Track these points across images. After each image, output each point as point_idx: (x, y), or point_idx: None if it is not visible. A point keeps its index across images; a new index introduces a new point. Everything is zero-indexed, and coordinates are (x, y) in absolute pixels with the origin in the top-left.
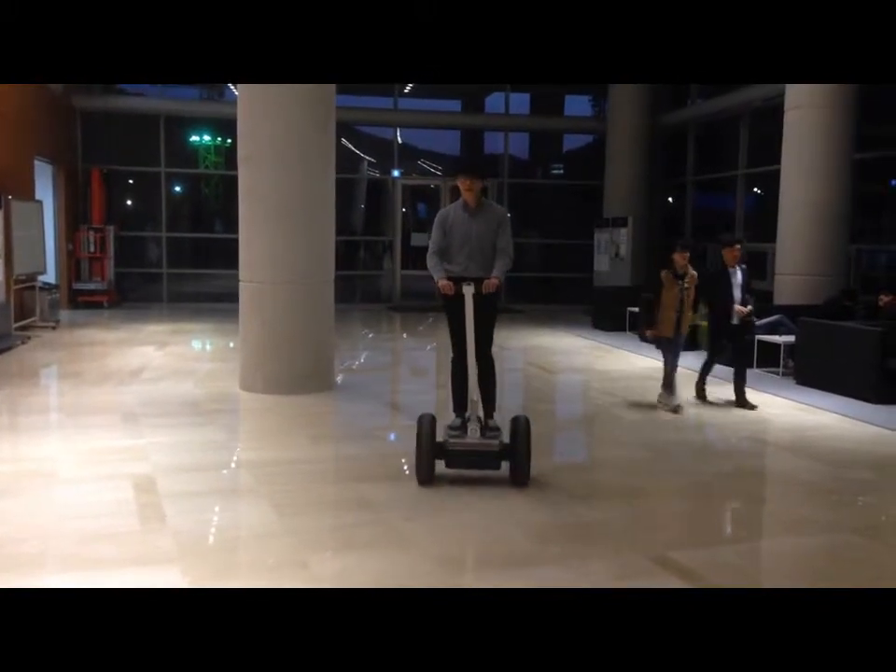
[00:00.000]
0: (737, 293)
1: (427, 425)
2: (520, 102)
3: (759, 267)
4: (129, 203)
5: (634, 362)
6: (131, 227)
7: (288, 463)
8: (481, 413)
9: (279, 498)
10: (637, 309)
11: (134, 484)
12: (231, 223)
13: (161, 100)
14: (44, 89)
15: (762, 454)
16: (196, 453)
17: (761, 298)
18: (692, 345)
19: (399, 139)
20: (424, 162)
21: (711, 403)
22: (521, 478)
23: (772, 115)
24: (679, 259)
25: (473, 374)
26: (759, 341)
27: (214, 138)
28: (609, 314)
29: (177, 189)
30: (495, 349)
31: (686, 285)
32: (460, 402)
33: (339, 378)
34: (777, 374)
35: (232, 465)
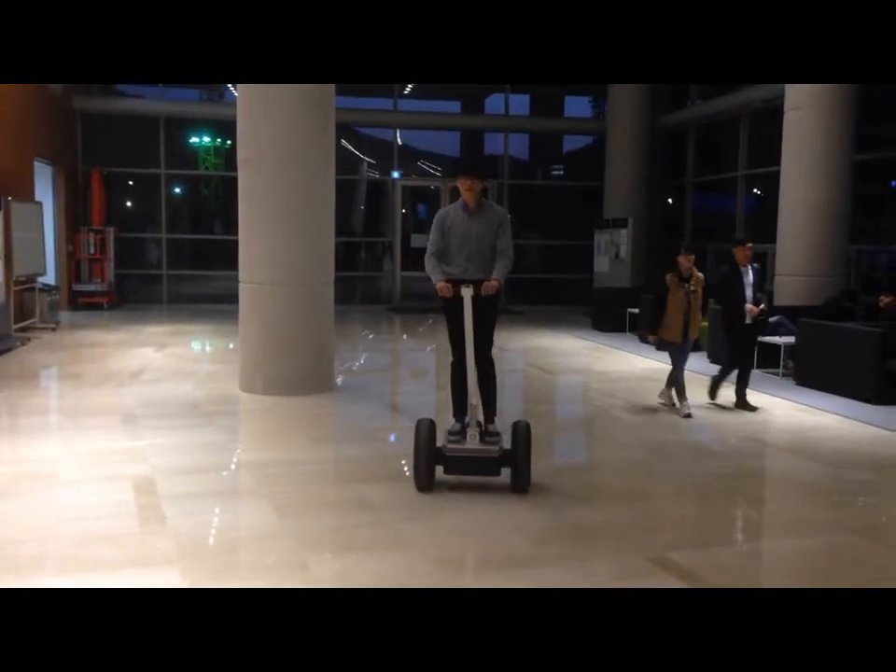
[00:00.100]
0: (749, 292)
1: (424, 430)
2: (520, 103)
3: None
4: (129, 204)
5: (633, 363)
6: (131, 228)
7: (288, 464)
8: (481, 418)
9: (279, 500)
10: (637, 310)
11: (134, 486)
12: (231, 224)
13: (160, 101)
14: (44, 90)
15: (761, 454)
16: (196, 454)
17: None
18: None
19: (398, 140)
20: (423, 163)
21: (723, 407)
22: (521, 485)
23: (771, 116)
24: (684, 261)
25: (473, 378)
26: (759, 342)
27: (213, 139)
28: (609, 315)
29: (177, 190)
30: (494, 350)
31: (692, 287)
32: (460, 407)
33: (339, 379)
34: (777, 375)
35: (232, 466)
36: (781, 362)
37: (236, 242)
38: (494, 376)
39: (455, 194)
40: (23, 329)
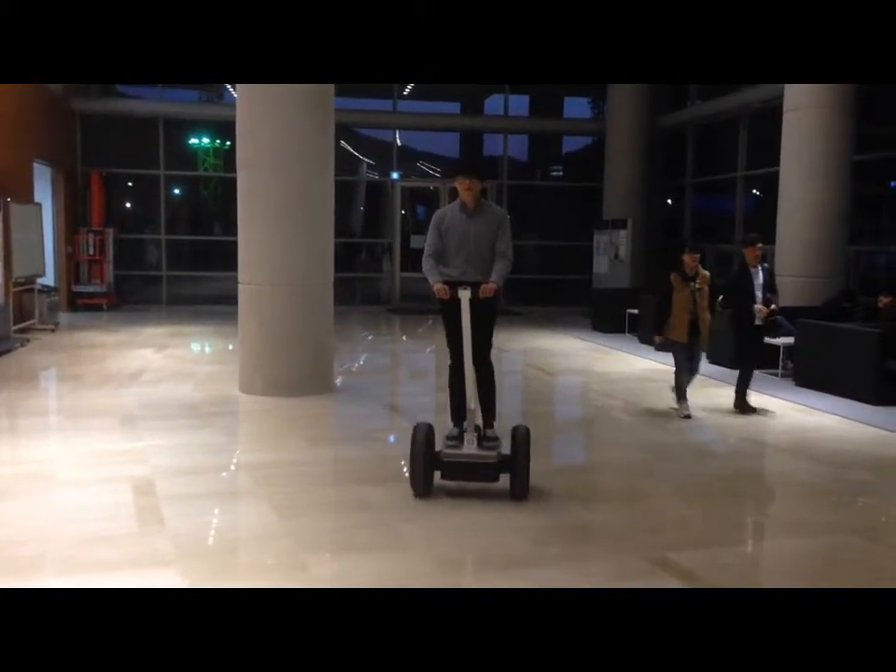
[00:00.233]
0: (759, 293)
1: (422, 434)
2: (519, 104)
3: None
4: (128, 205)
5: (633, 364)
6: (130, 229)
7: (288, 465)
8: (479, 422)
9: (278, 500)
10: (636, 311)
11: (133, 487)
12: (231, 225)
13: (159, 102)
14: (43, 91)
15: (761, 455)
16: (195, 455)
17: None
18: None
19: (398, 141)
20: (423, 164)
21: (757, 411)
22: (520, 491)
23: (771, 116)
24: (689, 260)
25: (471, 382)
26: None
27: (213, 140)
28: (609, 315)
29: (176, 191)
30: (494, 351)
31: (698, 286)
32: (458, 411)
33: (338, 380)
34: (777, 376)
35: (232, 467)
36: (780, 363)
37: (235, 243)
38: (493, 380)
39: (454, 195)
40: (23, 331)
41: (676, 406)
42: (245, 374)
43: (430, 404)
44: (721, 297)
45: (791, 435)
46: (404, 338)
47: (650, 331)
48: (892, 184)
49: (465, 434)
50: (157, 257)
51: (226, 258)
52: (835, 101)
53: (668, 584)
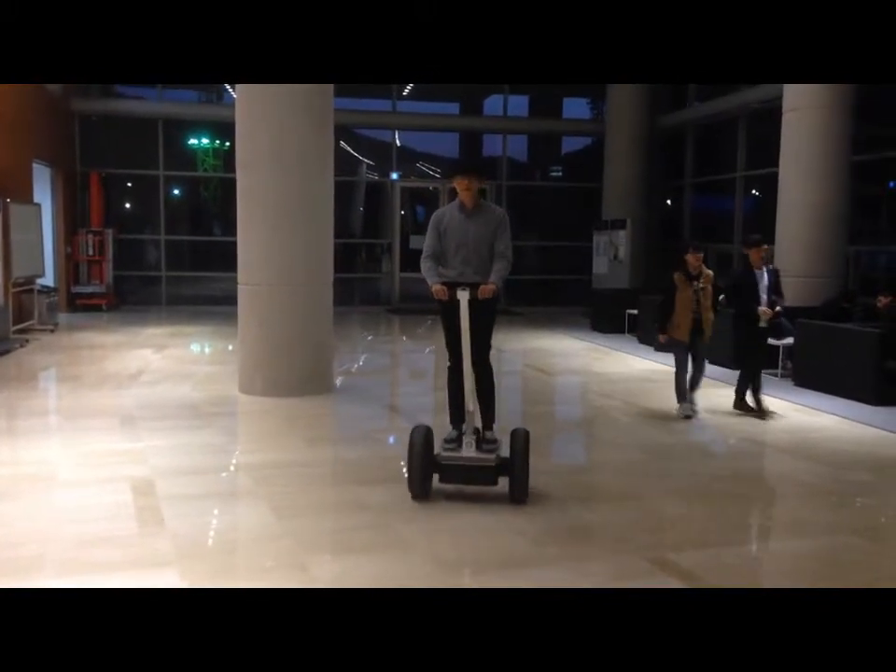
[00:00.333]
0: (764, 295)
1: (419, 437)
2: (518, 104)
3: None
4: (127, 206)
5: (632, 364)
6: (129, 230)
7: (287, 466)
8: (479, 425)
9: (278, 501)
10: (636, 311)
11: (133, 487)
12: (230, 226)
13: (159, 103)
14: (42, 92)
15: (760, 455)
16: (194, 456)
17: None
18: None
19: (397, 142)
20: (422, 165)
21: (775, 413)
22: (519, 495)
23: (770, 117)
24: (693, 259)
25: (469, 384)
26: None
27: (212, 141)
28: (608, 316)
29: (176, 192)
30: (493, 352)
31: (702, 285)
32: (457, 413)
33: (338, 381)
34: (776, 376)
35: (231, 468)
36: (780, 363)
37: (235, 243)
38: (492, 382)
39: (454, 195)
40: (22, 331)
41: (686, 411)
42: (245, 375)
43: (430, 404)
44: (721, 296)
45: (790, 435)
46: (404, 338)
47: (654, 331)
48: (891, 184)
49: (463, 437)
50: (156, 257)
51: (225, 258)
52: (834, 101)
53: (668, 585)
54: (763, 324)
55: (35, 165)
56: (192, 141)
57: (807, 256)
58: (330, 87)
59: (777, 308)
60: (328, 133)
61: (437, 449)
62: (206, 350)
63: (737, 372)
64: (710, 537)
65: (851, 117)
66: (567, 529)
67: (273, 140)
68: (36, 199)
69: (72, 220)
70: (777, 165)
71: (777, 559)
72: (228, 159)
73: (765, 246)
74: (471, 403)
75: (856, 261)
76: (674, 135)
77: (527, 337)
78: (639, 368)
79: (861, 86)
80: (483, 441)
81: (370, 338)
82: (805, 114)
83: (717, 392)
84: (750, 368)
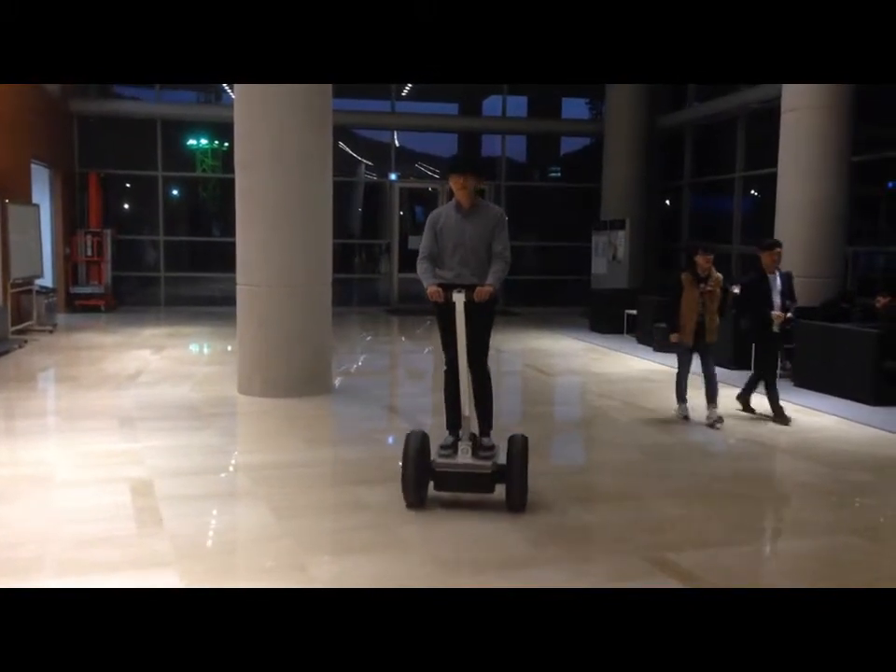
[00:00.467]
0: (778, 299)
1: (415, 442)
2: (517, 105)
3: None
4: (126, 206)
5: (631, 365)
6: (128, 230)
7: (286, 466)
8: (475, 430)
9: (277, 502)
10: (635, 312)
11: (131, 488)
12: (229, 226)
13: (157, 103)
14: (41, 92)
15: (760, 455)
16: (193, 456)
17: None
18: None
19: (396, 142)
20: (421, 165)
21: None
22: (516, 503)
23: (769, 117)
24: (703, 261)
25: (466, 388)
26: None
27: (211, 142)
28: (607, 316)
29: (175, 192)
30: (492, 352)
31: (709, 287)
32: (453, 419)
33: (337, 381)
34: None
35: (230, 468)
36: (779, 363)
37: (234, 244)
38: (489, 386)
39: (452, 195)
40: (21, 332)
41: (707, 412)
42: (244, 375)
43: (429, 405)
44: (734, 310)
45: (789, 436)
46: (403, 339)
47: (664, 331)
48: (890, 185)
49: (459, 443)
50: (155, 258)
51: (224, 259)
52: (833, 102)
53: (668, 585)
54: (775, 329)
55: (33, 166)
56: (191, 141)
57: (806, 256)
58: (329, 87)
59: (789, 314)
60: (327, 134)
61: (433, 455)
62: (205, 351)
63: (737, 373)
64: (710, 537)
65: (850, 117)
66: (567, 530)
67: (272, 140)
68: (35, 199)
69: (70, 221)
70: (775, 166)
71: (776, 559)
72: (226, 159)
73: (779, 249)
74: (468, 408)
75: (854, 262)
76: (673, 136)
77: (526, 337)
78: (638, 368)
79: (860, 86)
80: (479, 448)
81: (368, 338)
82: (804, 114)
83: (730, 394)
84: (762, 372)
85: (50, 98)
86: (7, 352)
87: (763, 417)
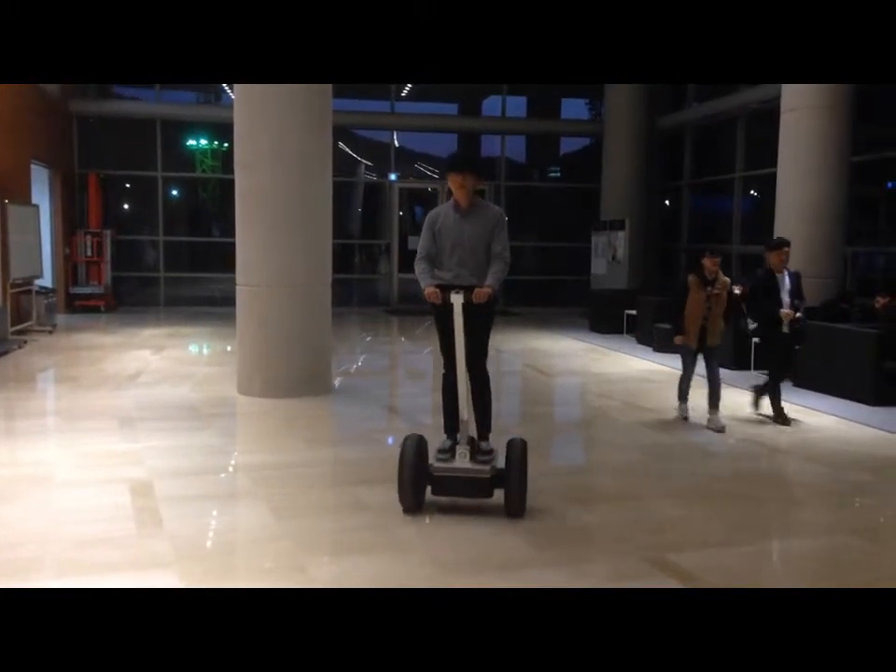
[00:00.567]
0: (786, 299)
1: (412, 446)
2: (517, 105)
3: (756, 270)
4: (126, 206)
5: (631, 365)
6: (128, 231)
7: (286, 467)
8: (474, 434)
9: (276, 502)
10: (634, 312)
11: (131, 489)
12: (229, 227)
13: (157, 104)
14: (40, 93)
15: (760, 456)
16: (193, 457)
17: None
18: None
19: (395, 143)
20: (421, 166)
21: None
22: (515, 509)
23: (768, 117)
24: (710, 264)
25: (464, 391)
26: (754, 343)
27: (211, 142)
28: (607, 316)
29: (174, 192)
30: (492, 352)
31: (716, 291)
32: (451, 422)
33: (336, 381)
34: None
35: (230, 469)
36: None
37: (233, 244)
38: (488, 389)
39: (451, 195)
40: (20, 332)
41: (708, 415)
42: (244, 376)
43: (429, 405)
44: (746, 320)
45: (789, 436)
46: (402, 339)
47: (668, 332)
48: (890, 185)
49: (457, 447)
50: (155, 258)
51: (224, 259)
52: (833, 102)
53: (668, 585)
54: (785, 329)
55: (33, 166)
56: (191, 142)
57: (805, 256)
58: (329, 87)
59: (798, 314)
60: (326, 134)
61: (430, 459)
62: (205, 351)
63: (737, 374)
64: (710, 537)
65: (850, 117)
66: (567, 530)
67: (272, 140)
68: (35, 200)
69: (70, 221)
70: (775, 166)
71: (776, 559)
72: (226, 160)
73: (787, 249)
74: (465, 412)
75: (854, 262)
76: (673, 136)
77: (526, 337)
78: (638, 368)
79: (860, 86)
80: (478, 452)
81: (368, 339)
82: (804, 114)
83: (733, 395)
84: (774, 373)
85: (50, 98)
86: (6, 352)
87: (779, 421)
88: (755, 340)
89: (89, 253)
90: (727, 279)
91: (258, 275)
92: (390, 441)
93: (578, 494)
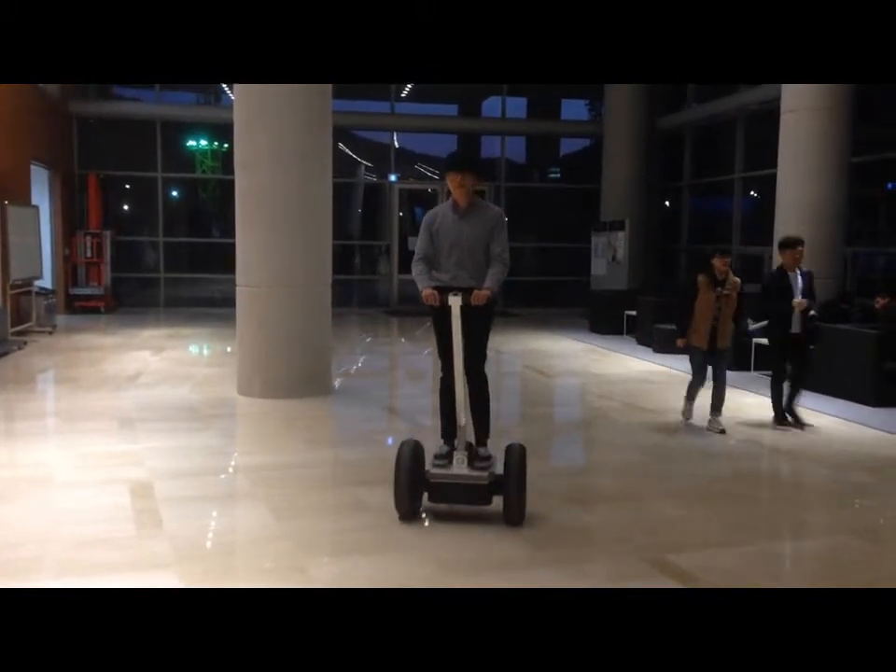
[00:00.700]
0: (799, 297)
1: (408, 452)
2: (516, 106)
3: (756, 270)
4: (125, 207)
5: (631, 366)
6: (127, 232)
7: (286, 467)
8: (471, 439)
9: (276, 503)
10: (634, 313)
11: (131, 489)
12: (229, 227)
13: (157, 105)
14: (40, 93)
15: (760, 456)
16: (193, 457)
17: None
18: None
19: (395, 143)
20: (420, 167)
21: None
22: (513, 516)
23: (768, 118)
24: (720, 264)
25: (461, 396)
26: (755, 343)
27: (210, 143)
28: (606, 317)
29: (174, 193)
30: (491, 353)
31: (726, 291)
32: (448, 427)
33: (336, 382)
34: None
35: (230, 469)
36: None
37: (233, 245)
38: (486, 393)
39: (450, 195)
40: (20, 333)
41: (710, 417)
42: (244, 376)
43: (428, 406)
44: (756, 322)
45: (789, 436)
46: (402, 340)
47: (672, 333)
48: (890, 185)
49: (455, 452)
50: (154, 259)
51: (224, 260)
52: (833, 103)
53: (667, 585)
54: (796, 329)
55: (32, 167)
56: (191, 143)
57: (805, 257)
58: (329, 87)
59: (812, 312)
60: (326, 134)
61: (427, 465)
62: (205, 352)
63: (737, 374)
64: (710, 538)
65: (850, 118)
66: (567, 531)
67: (271, 140)
68: (34, 201)
69: (70, 222)
70: (775, 166)
71: (776, 560)
72: (226, 160)
73: (800, 248)
74: (463, 416)
75: (854, 262)
76: (672, 137)
77: (526, 338)
78: (638, 369)
79: (860, 87)
80: (475, 458)
81: (368, 340)
82: (804, 115)
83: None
84: (778, 375)
85: (50, 99)
86: (6, 353)
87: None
88: (763, 341)
89: (88, 254)
90: (737, 280)
91: (258, 276)
92: (390, 441)
93: (578, 494)
